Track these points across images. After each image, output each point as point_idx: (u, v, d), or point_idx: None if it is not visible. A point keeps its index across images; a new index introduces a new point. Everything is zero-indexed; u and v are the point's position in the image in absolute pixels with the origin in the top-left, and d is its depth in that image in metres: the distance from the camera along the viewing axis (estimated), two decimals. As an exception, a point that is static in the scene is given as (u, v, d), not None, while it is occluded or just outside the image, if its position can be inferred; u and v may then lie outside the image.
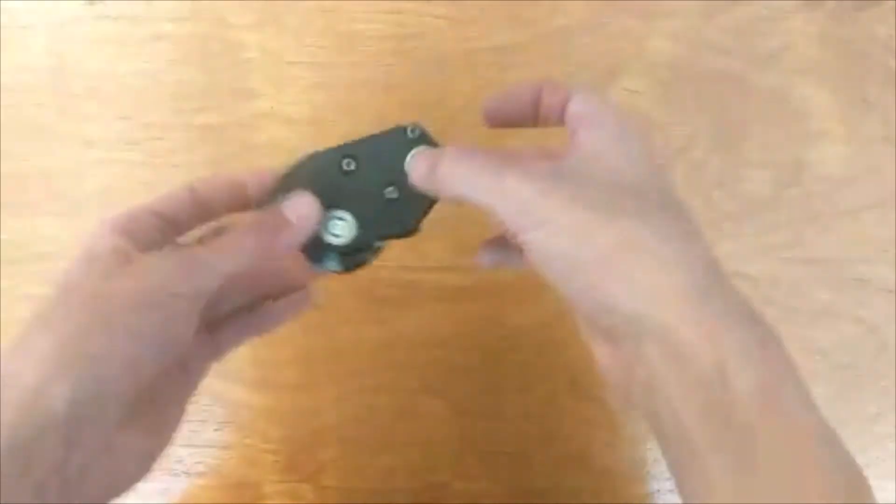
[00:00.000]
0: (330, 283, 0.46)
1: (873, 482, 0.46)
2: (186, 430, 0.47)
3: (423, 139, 0.31)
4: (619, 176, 0.28)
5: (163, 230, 0.30)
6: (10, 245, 0.46)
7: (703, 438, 0.24)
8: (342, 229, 0.31)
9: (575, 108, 0.30)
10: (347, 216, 0.31)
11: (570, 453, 0.46)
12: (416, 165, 0.31)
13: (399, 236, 0.32)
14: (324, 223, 0.31)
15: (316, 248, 0.31)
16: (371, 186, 0.31)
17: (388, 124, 0.31)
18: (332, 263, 0.32)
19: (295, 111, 0.44)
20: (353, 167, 0.31)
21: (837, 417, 0.46)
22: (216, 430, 0.47)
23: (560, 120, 0.31)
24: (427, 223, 0.46)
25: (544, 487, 0.46)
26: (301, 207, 0.30)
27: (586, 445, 0.46)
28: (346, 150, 0.31)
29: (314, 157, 0.31)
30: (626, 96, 0.43)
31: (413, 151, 0.31)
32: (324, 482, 0.46)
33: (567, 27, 0.44)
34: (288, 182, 0.31)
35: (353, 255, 0.32)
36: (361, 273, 0.45)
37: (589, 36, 0.44)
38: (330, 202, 0.31)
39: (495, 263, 0.34)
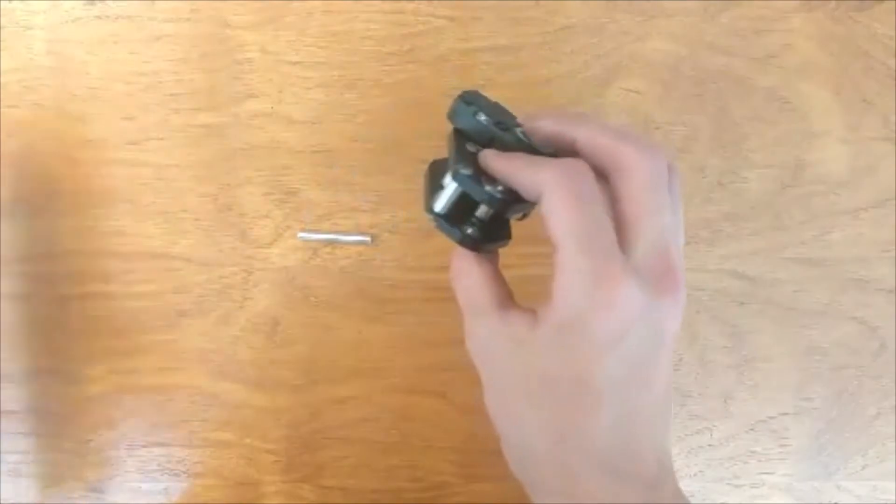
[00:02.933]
0: (330, 284, 0.46)
1: (873, 482, 0.46)
2: (186, 430, 0.47)
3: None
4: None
5: None
6: (10, 245, 0.46)
7: None
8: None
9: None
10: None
11: (570, 453, 0.46)
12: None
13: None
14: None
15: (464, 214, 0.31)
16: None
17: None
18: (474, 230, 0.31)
19: (295, 111, 0.44)
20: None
21: (837, 417, 0.46)
22: (216, 430, 0.47)
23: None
24: (427, 224, 0.46)
25: (544, 487, 0.46)
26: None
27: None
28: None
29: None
30: (626, 96, 0.43)
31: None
32: (324, 482, 0.46)
33: (567, 27, 0.44)
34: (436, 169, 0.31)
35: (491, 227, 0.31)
36: (361, 273, 0.45)
37: (589, 36, 0.44)
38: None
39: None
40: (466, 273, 0.30)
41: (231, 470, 0.47)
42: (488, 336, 0.29)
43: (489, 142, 0.31)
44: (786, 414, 0.45)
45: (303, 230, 0.45)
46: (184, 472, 0.47)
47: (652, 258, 0.27)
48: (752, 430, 0.45)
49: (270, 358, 0.46)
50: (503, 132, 0.31)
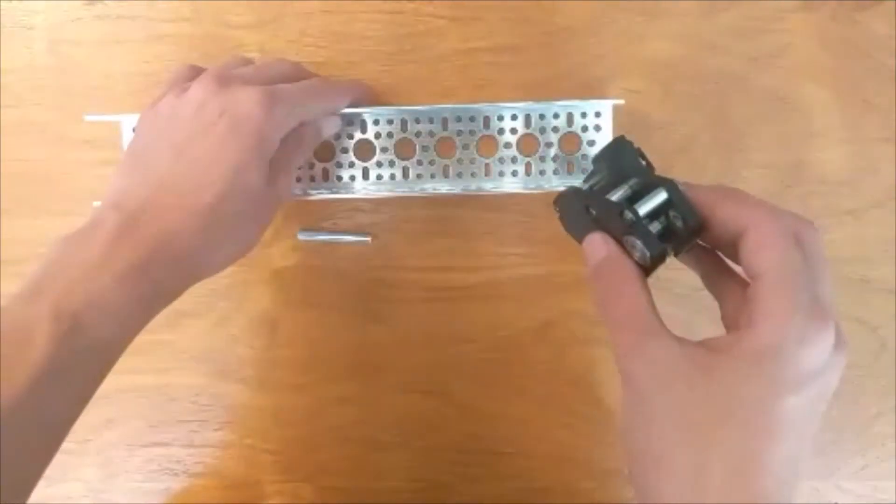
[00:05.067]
0: (330, 284, 0.46)
1: (873, 482, 0.46)
2: (186, 430, 0.47)
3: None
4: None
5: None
6: (10, 245, 0.46)
7: None
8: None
9: (749, 258, 0.29)
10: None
11: (570, 453, 0.46)
12: (586, 247, 0.33)
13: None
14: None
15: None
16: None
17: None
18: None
19: (295, 111, 0.44)
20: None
21: (837, 417, 0.46)
22: (216, 430, 0.47)
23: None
24: (427, 223, 0.46)
25: (544, 487, 0.46)
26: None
27: (586, 445, 0.46)
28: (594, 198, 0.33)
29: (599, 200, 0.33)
30: (626, 96, 0.43)
31: (592, 233, 0.33)
32: (324, 482, 0.46)
33: (567, 27, 0.44)
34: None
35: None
36: (362, 273, 0.45)
37: (589, 36, 0.44)
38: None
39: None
40: (636, 292, 0.30)
41: (231, 470, 0.47)
42: (667, 359, 0.28)
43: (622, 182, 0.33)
44: (786, 414, 0.45)
45: (303, 230, 0.45)
46: (184, 472, 0.47)
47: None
48: None
49: (270, 358, 0.46)
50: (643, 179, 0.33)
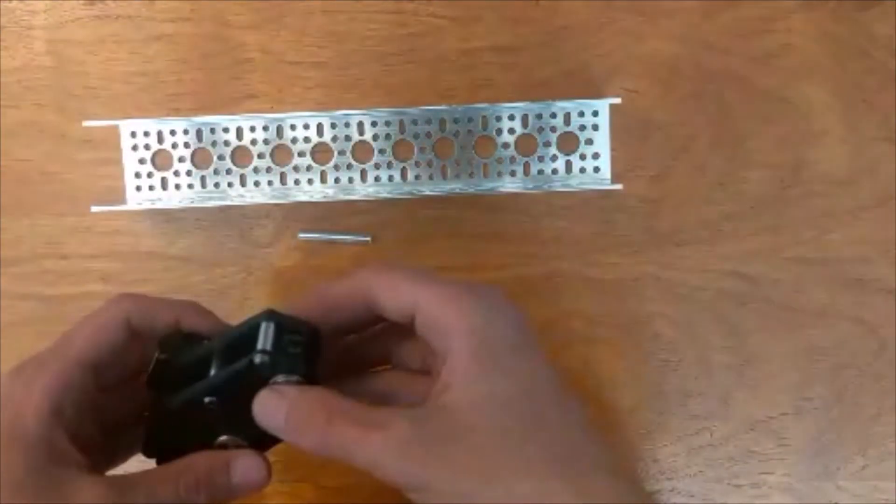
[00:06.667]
0: (330, 283, 0.46)
1: (873, 482, 0.46)
2: (186, 430, 0.47)
3: (272, 361, 0.30)
4: (492, 421, 0.26)
5: (91, 387, 0.30)
6: (10, 245, 0.46)
7: None
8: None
9: (418, 318, 0.29)
10: (239, 439, 0.31)
11: (569, 453, 0.46)
12: (264, 418, 0.30)
13: None
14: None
15: None
16: (245, 409, 0.30)
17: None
18: None
19: (295, 111, 0.44)
20: (215, 403, 0.31)
21: (837, 417, 0.46)
22: (216, 430, 0.47)
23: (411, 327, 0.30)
24: (427, 223, 0.46)
25: (544, 487, 0.46)
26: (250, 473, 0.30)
27: (586, 445, 0.46)
28: (204, 391, 0.30)
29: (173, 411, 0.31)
30: (626, 96, 0.43)
31: (257, 396, 0.30)
32: (324, 482, 0.46)
33: (567, 27, 0.44)
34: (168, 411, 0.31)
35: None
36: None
37: (589, 36, 0.44)
38: (215, 430, 0.31)
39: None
40: (339, 403, 0.29)
41: (231, 470, 0.47)
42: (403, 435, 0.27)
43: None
44: (786, 414, 0.45)
45: (303, 230, 0.45)
46: (184, 472, 0.47)
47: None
48: (751, 430, 0.45)
49: (270, 358, 0.46)
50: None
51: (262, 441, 0.31)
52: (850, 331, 0.45)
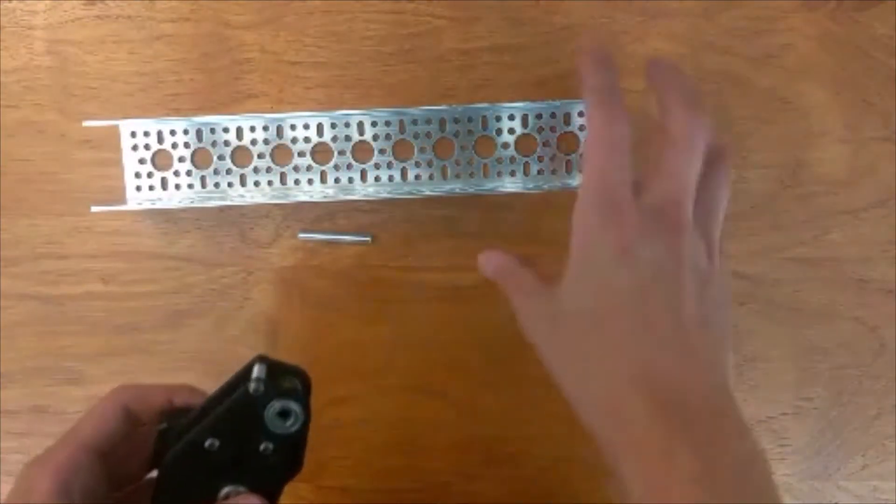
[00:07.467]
0: (330, 284, 0.46)
1: (873, 482, 0.46)
2: (186, 430, 0.47)
3: (268, 387, 0.32)
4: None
5: (98, 471, 0.32)
6: (10, 245, 0.46)
7: None
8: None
9: None
10: (241, 488, 0.32)
11: (569, 453, 0.46)
12: None
13: (294, 475, 0.34)
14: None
15: None
16: (245, 452, 0.32)
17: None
18: None
19: (295, 111, 0.44)
20: (217, 445, 0.32)
21: (837, 417, 0.46)
22: (216, 430, 0.47)
23: None
24: (427, 224, 0.46)
25: (544, 487, 0.46)
26: None
27: (586, 445, 0.46)
28: (205, 432, 0.32)
29: (177, 456, 0.32)
30: (626, 96, 0.43)
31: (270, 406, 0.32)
32: (324, 482, 0.46)
33: (567, 27, 0.44)
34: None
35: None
36: (361, 273, 0.45)
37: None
38: (218, 481, 0.32)
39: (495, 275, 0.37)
40: (524, 272, 0.36)
41: (231, 470, 0.47)
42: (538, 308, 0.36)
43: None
44: (786, 414, 0.45)
45: (303, 230, 0.45)
46: (184, 472, 0.47)
47: (661, 202, 0.32)
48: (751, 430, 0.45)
49: (270, 358, 0.46)
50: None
51: (266, 488, 0.33)
52: (850, 331, 0.45)
